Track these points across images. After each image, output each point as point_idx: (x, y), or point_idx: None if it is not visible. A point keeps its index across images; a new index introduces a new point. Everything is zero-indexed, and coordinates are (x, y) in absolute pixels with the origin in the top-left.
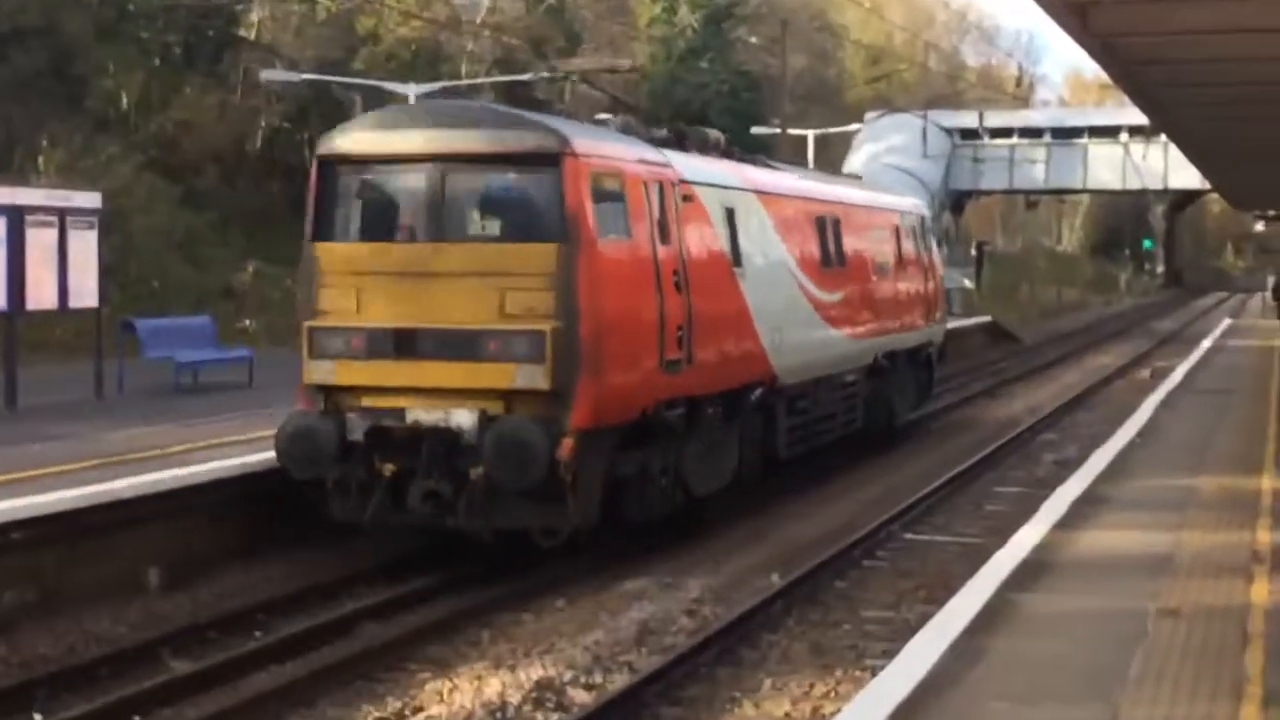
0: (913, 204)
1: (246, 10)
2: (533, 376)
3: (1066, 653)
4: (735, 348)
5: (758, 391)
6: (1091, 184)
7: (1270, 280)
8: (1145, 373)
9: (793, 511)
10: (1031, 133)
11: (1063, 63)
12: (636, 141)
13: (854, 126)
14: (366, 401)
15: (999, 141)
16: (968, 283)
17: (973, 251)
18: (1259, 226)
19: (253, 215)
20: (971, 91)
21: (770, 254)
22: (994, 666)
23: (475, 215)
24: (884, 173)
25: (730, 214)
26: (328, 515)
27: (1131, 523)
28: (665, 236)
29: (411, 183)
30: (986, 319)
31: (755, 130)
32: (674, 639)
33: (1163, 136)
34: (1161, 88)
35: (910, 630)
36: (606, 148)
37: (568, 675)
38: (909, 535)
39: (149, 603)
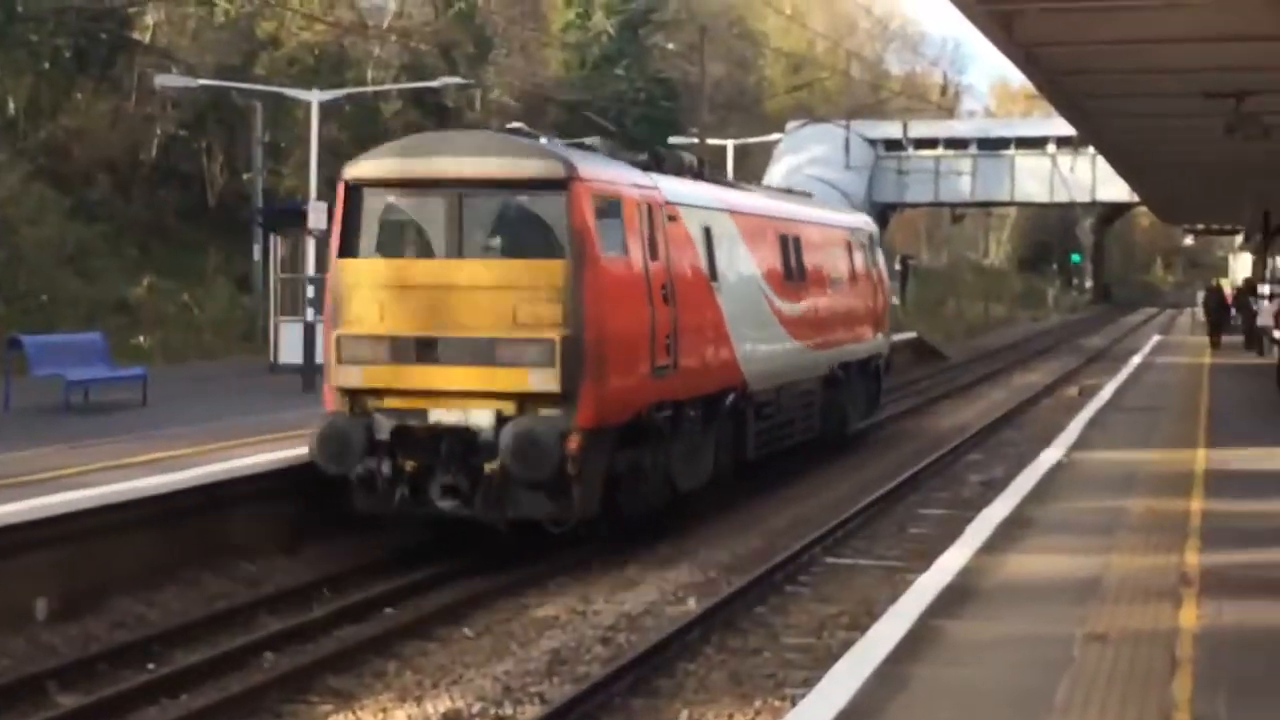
0: (864, 220)
1: (141, 13)
2: (544, 380)
3: (992, 680)
4: (713, 356)
5: (731, 397)
6: (1018, 196)
7: (1200, 296)
8: (1073, 390)
9: (709, 536)
10: (957, 144)
11: (989, 72)
12: (628, 166)
13: (774, 136)
14: (390, 403)
15: (924, 153)
16: (892, 298)
17: (897, 266)
18: (1188, 240)
19: (147, 227)
20: (896, 101)
21: (742, 269)
22: (918, 694)
23: (490, 234)
24: (805, 185)
25: (707, 232)
26: (350, 508)
27: (1058, 546)
28: (654, 253)
29: (432, 204)
30: (911, 336)
31: (673, 140)
32: (587, 668)
33: (1090, 148)
34: (1087, 99)
35: (832, 657)
36: (607, 173)
37: (476, 707)
38: (831, 559)
39: (36, 633)
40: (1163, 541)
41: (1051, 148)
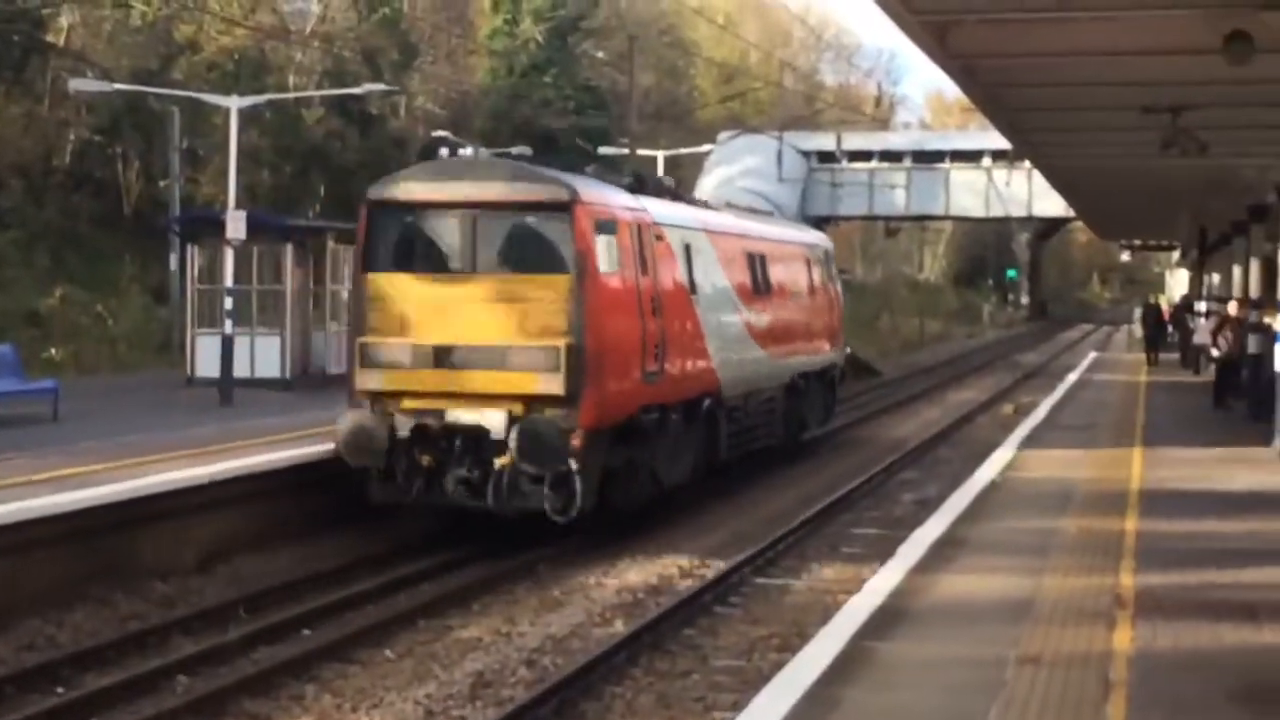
0: (820, 238)
1: (55, 15)
2: (550, 383)
3: (923, 703)
4: (693, 364)
5: (707, 402)
6: (954, 210)
7: (1137, 313)
8: (1009, 408)
9: (639, 556)
10: (891, 156)
11: (924, 83)
12: (619, 190)
13: (706, 148)
14: (409, 405)
15: (858, 165)
16: None
17: None
18: (1125, 257)
19: (60, 235)
20: (830, 113)
21: (717, 284)
22: (848, 717)
23: (501, 251)
24: (737, 197)
25: (688, 249)
26: (368, 499)
27: (992, 566)
28: (645, 269)
29: (449, 224)
30: (845, 351)
31: (603, 150)
32: (511, 691)
33: (1027, 162)
34: (1022, 112)
35: (762, 680)
36: (604, 197)
37: None
38: (761, 580)
39: None
40: (1097, 562)
41: (987, 161)
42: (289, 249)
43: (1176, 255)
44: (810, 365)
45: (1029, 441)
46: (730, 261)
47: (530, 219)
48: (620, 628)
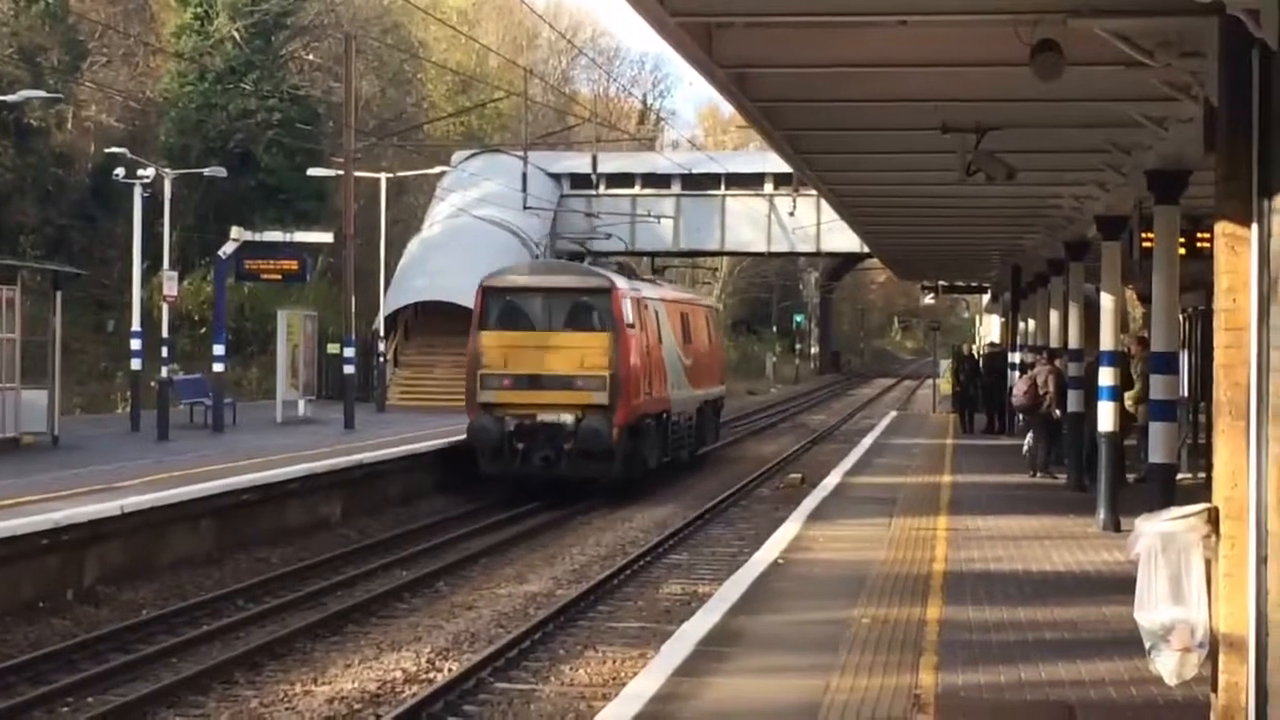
0: (713, 301)
1: None
2: (599, 398)
3: None
4: (661, 390)
5: (664, 415)
6: (731, 244)
7: (944, 365)
8: (795, 478)
9: (348, 652)
10: (658, 181)
11: (696, 97)
12: (630, 278)
13: (439, 169)
14: (512, 411)
15: (618, 191)
16: None
17: None
18: (928, 300)
19: None
20: (585, 129)
21: (668, 338)
22: None
23: (566, 317)
24: (474, 229)
25: (656, 314)
26: (481, 471)
27: (771, 666)
28: (643, 328)
29: (535, 301)
30: (723, 389)
31: (313, 172)
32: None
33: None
34: (802, 132)
35: None
36: (625, 283)
37: None
38: (502, 685)
39: None
40: (894, 659)
41: (769, 187)
42: None
43: (987, 299)
44: (709, 396)
45: (817, 516)
46: (674, 320)
47: (585, 298)
48: None
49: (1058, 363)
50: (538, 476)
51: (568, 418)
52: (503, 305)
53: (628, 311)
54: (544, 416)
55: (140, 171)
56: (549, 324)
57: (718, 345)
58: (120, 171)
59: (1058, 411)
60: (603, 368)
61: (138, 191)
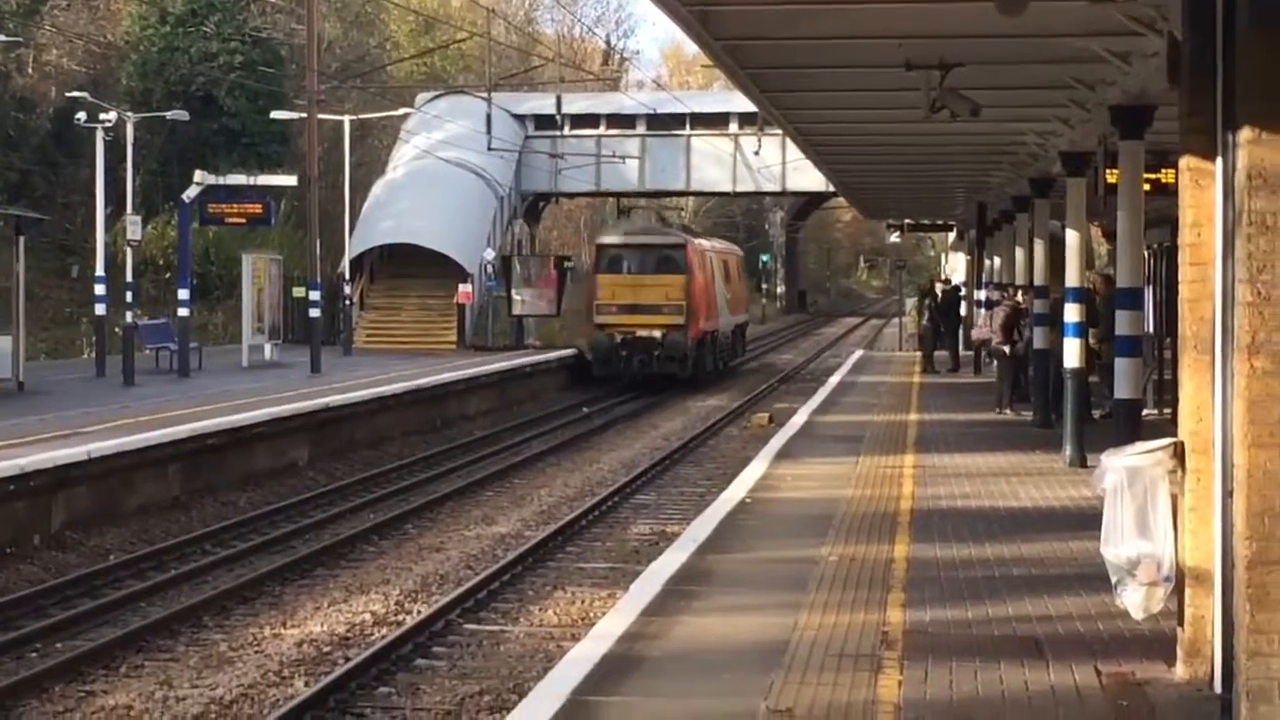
0: (738, 249)
1: None
2: (678, 320)
3: None
4: (715, 316)
5: (717, 333)
6: (696, 185)
7: (909, 303)
8: (762, 417)
9: (335, 596)
10: (623, 121)
11: (660, 37)
12: (695, 235)
13: (403, 111)
14: (619, 330)
15: (583, 132)
16: (546, 308)
17: (553, 270)
18: (894, 238)
19: None
20: (549, 70)
21: (717, 277)
22: None
23: (655, 264)
24: (439, 171)
25: (709, 261)
26: (594, 373)
27: (740, 604)
28: (704, 271)
29: (634, 253)
30: (570, 353)
31: (277, 115)
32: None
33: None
34: (767, 71)
35: None
36: (694, 240)
37: None
38: (471, 627)
39: None
40: (862, 596)
41: (734, 127)
42: None
43: (952, 236)
44: (738, 321)
45: (785, 456)
46: (718, 266)
47: (666, 251)
48: (301, 687)
49: (1020, 298)
50: (637, 373)
51: (657, 333)
52: (610, 257)
53: (695, 260)
54: (640, 333)
55: (102, 115)
56: (642, 269)
57: (743, 284)
58: (82, 116)
59: (1005, 348)
60: (680, 299)
61: (100, 136)
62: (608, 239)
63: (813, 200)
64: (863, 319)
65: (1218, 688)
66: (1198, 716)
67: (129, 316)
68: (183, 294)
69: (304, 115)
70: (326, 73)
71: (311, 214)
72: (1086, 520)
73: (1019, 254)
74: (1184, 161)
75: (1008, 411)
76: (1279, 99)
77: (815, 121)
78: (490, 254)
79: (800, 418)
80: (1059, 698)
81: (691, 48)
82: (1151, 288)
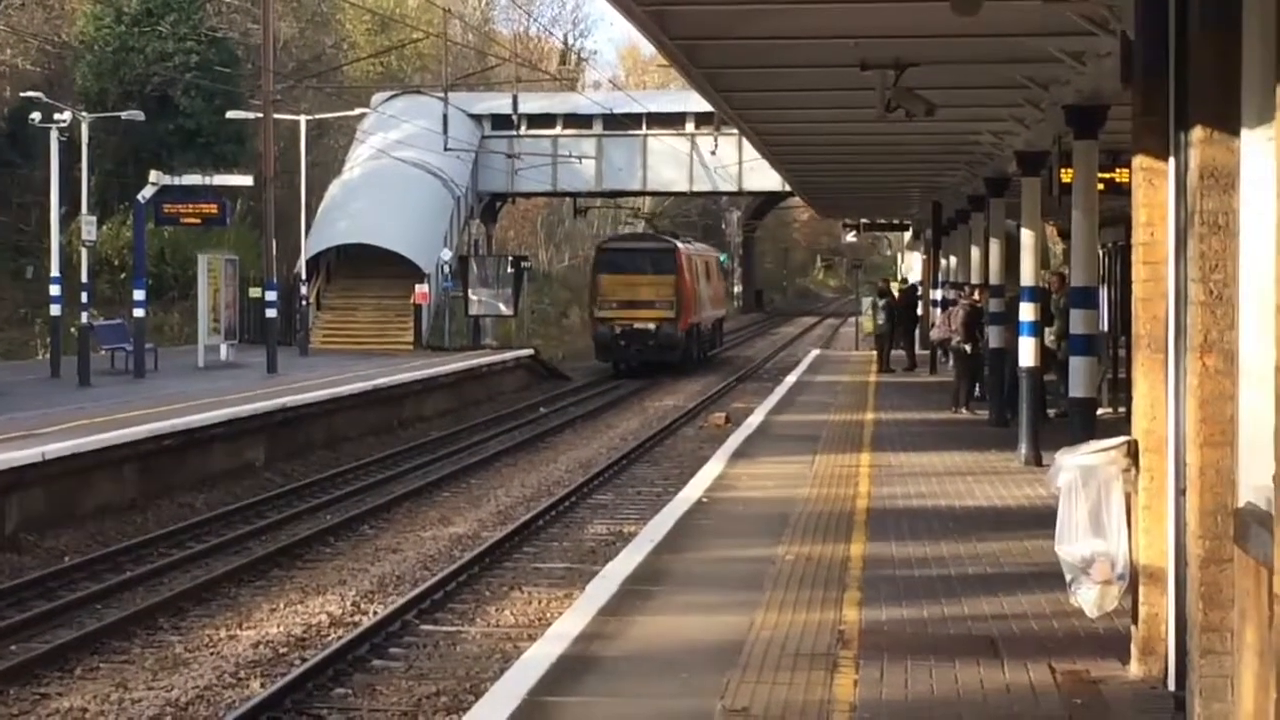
0: (718, 253)
1: None
2: (669, 314)
3: None
4: (699, 310)
5: (698, 326)
6: (653, 184)
7: (865, 303)
8: (718, 417)
9: (289, 594)
10: (579, 121)
11: (617, 37)
12: (683, 240)
13: (359, 111)
14: (619, 323)
15: (539, 132)
16: (503, 308)
17: (509, 270)
18: (850, 238)
19: None
20: (505, 69)
21: (700, 277)
22: None
23: (650, 266)
24: (395, 171)
25: (692, 262)
26: (597, 359)
27: (696, 604)
28: (691, 272)
29: (631, 255)
30: (526, 353)
31: (233, 114)
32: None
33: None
34: (721, 70)
35: None
36: (684, 245)
37: None
38: (428, 628)
39: None
40: (817, 595)
41: (690, 126)
42: None
43: (908, 236)
44: (716, 316)
45: (741, 455)
46: (701, 267)
47: (660, 254)
48: (257, 688)
49: (976, 297)
50: (634, 359)
51: (651, 325)
52: (611, 258)
53: (684, 262)
54: (637, 325)
55: (57, 115)
56: (639, 269)
57: (721, 283)
58: (36, 116)
59: (966, 346)
60: (671, 296)
61: (54, 136)
62: (609, 244)
63: (769, 200)
64: (819, 318)
65: (1171, 685)
66: (1152, 714)
67: (84, 317)
68: (138, 294)
69: (260, 115)
70: (283, 72)
71: (267, 214)
72: (1041, 519)
73: (974, 253)
74: (1137, 161)
75: (964, 410)
76: (1231, 100)
77: (771, 121)
78: (448, 254)
79: (757, 417)
80: (1014, 696)
81: (648, 47)
82: (1106, 287)
